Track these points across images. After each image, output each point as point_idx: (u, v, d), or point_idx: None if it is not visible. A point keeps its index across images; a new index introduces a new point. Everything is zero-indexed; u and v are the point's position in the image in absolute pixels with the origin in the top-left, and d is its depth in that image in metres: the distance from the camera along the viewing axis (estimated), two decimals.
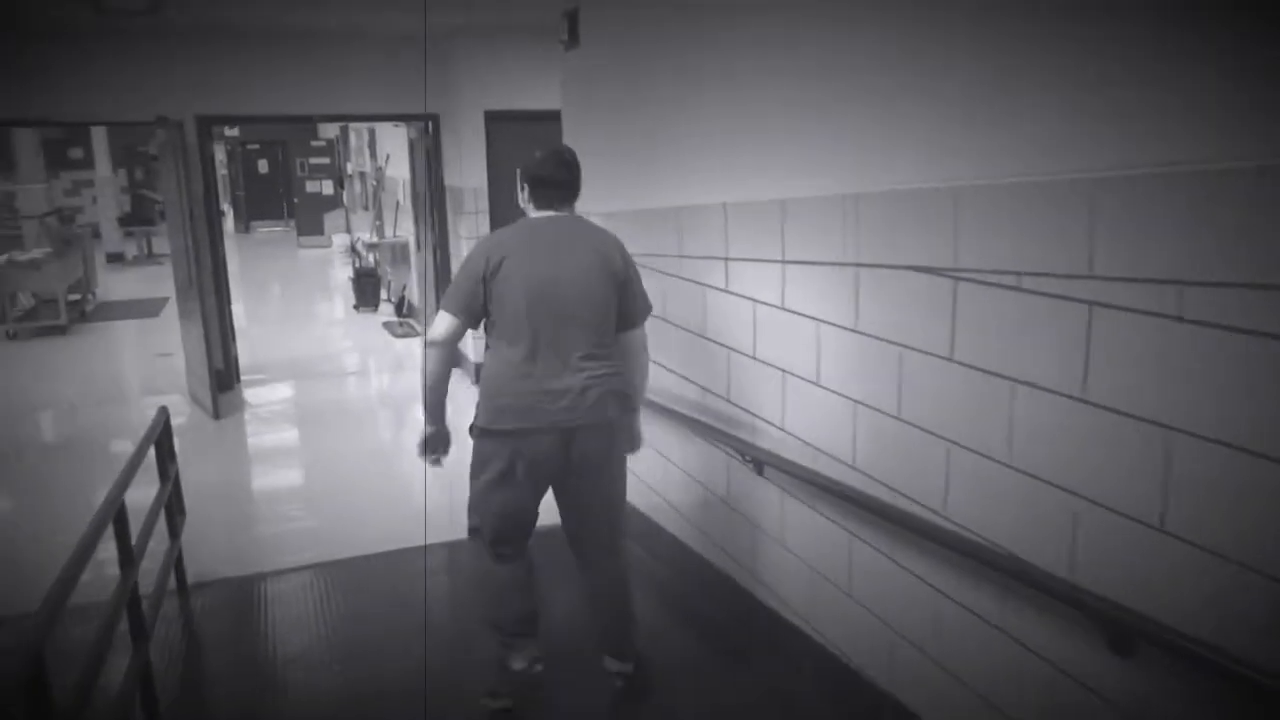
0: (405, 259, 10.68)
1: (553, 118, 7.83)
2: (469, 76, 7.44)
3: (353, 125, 15.41)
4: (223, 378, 7.61)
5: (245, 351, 8.44)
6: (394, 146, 10.67)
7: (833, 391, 2.97)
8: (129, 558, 2.87)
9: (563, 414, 2.87)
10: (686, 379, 3.98)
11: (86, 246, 12.12)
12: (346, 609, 4.10)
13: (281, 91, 7.48)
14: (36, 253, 10.73)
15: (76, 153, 18.87)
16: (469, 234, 7.64)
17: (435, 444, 3.09)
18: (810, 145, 2.99)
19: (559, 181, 3.04)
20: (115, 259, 16.64)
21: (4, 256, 10.53)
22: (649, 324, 3.19)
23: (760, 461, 3.37)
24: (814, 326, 3.03)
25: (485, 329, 2.97)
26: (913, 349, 2.60)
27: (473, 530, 3.10)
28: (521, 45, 7.47)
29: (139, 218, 16.95)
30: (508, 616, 3.11)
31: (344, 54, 7.59)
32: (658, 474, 4.37)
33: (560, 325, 2.87)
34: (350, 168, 16.35)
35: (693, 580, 4.11)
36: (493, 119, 7.55)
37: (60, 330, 10.43)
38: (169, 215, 7.25)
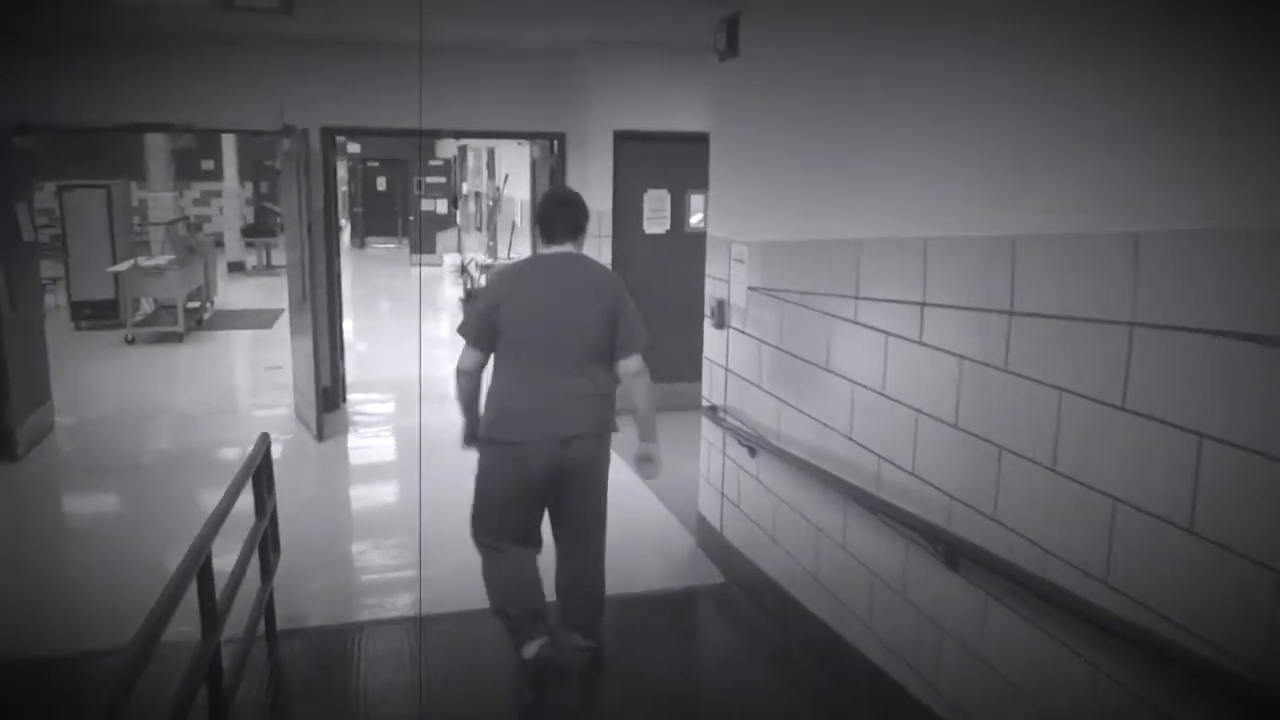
0: None
1: (684, 140, 7.44)
2: (598, 94, 7.06)
3: (472, 145, 15.35)
4: (329, 396, 7.36)
5: (353, 368, 8.22)
6: (514, 166, 10.42)
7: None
8: (211, 620, 2.47)
9: (554, 427, 3.23)
10: (864, 447, 3.41)
11: (209, 255, 12.26)
12: (446, 670, 3.66)
13: (406, 105, 7.24)
14: (161, 259, 10.83)
15: (208, 164, 19.48)
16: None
17: (472, 444, 3.53)
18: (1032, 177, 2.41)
19: (557, 219, 3.44)
20: (236, 268, 16.98)
21: (131, 261, 10.65)
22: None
23: (955, 553, 2.77)
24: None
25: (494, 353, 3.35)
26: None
27: (475, 529, 3.48)
28: (653, 62, 7.07)
29: (261, 229, 17.27)
30: (514, 610, 3.39)
31: (470, 68, 7.32)
32: (809, 548, 3.81)
33: (554, 351, 3.25)
34: (466, 188, 16.31)
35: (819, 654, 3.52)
36: (622, 139, 7.14)
37: (177, 337, 10.48)
38: (287, 227, 7.07)
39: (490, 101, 7.34)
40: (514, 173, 10.36)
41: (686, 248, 7.43)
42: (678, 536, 5.07)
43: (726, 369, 4.43)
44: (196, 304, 11.96)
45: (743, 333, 4.23)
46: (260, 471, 3.66)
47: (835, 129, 3.49)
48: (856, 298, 3.31)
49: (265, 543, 3.66)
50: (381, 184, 21.79)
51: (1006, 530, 2.53)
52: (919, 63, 2.94)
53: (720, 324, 4.46)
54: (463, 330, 3.36)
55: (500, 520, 3.38)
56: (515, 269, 3.52)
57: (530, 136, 8.01)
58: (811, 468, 3.57)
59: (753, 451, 4.10)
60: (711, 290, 4.62)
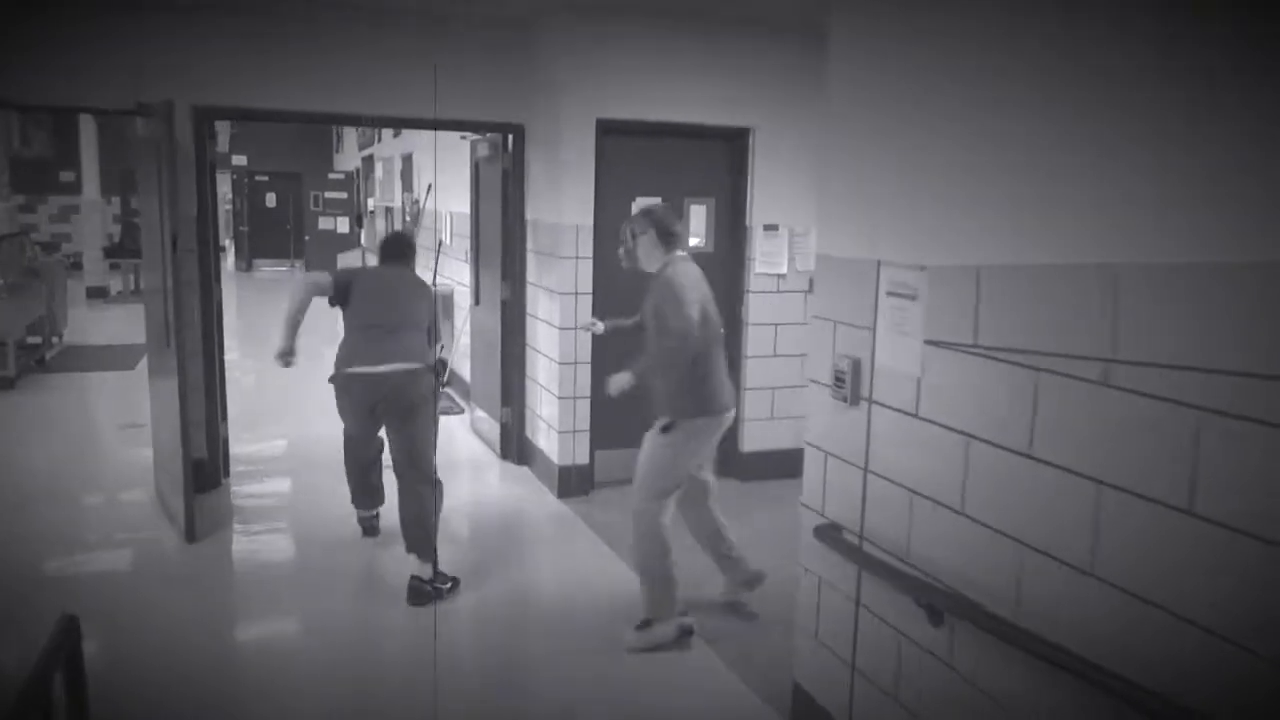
0: (447, 312, 8.53)
1: (686, 135, 5.64)
2: (576, 73, 5.35)
3: (380, 153, 13.38)
4: (203, 472, 5.39)
5: (236, 427, 6.23)
6: (444, 172, 8.57)
7: None
8: None
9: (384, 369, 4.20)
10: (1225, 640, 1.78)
11: (55, 279, 9.95)
12: None
13: (307, 84, 5.40)
14: None
15: (67, 176, 16.94)
16: (561, 287, 5.48)
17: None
18: None
19: (394, 253, 4.64)
20: (97, 294, 14.54)
21: None
22: None
23: None
24: None
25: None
26: None
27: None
28: (655, 32, 5.41)
29: (128, 249, 14.80)
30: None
31: (396, 38, 5.53)
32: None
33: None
34: (372, 203, 14.29)
35: None
36: (607, 132, 5.44)
37: (7, 383, 8.20)
38: (145, 240, 5.11)
39: (421, 83, 5.55)
40: (444, 181, 8.51)
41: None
42: None
43: (865, 469, 2.76)
44: (38, 339, 9.66)
45: (911, 415, 2.56)
46: (70, 676, 1.82)
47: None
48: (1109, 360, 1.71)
49: None
50: (271, 200, 19.60)
51: None
52: None
53: (851, 397, 2.79)
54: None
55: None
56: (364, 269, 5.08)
57: (477, 129, 6.23)
58: (1083, 666, 1.93)
59: (937, 616, 2.43)
60: (825, 342, 2.96)
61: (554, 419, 5.62)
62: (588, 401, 5.57)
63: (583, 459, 5.62)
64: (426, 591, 4.13)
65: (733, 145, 5.78)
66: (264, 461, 6.30)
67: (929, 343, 2.46)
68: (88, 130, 14.28)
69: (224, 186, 21.16)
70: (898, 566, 2.55)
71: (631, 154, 5.59)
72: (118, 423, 7.08)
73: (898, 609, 2.59)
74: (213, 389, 5.53)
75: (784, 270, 5.83)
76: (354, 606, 4.25)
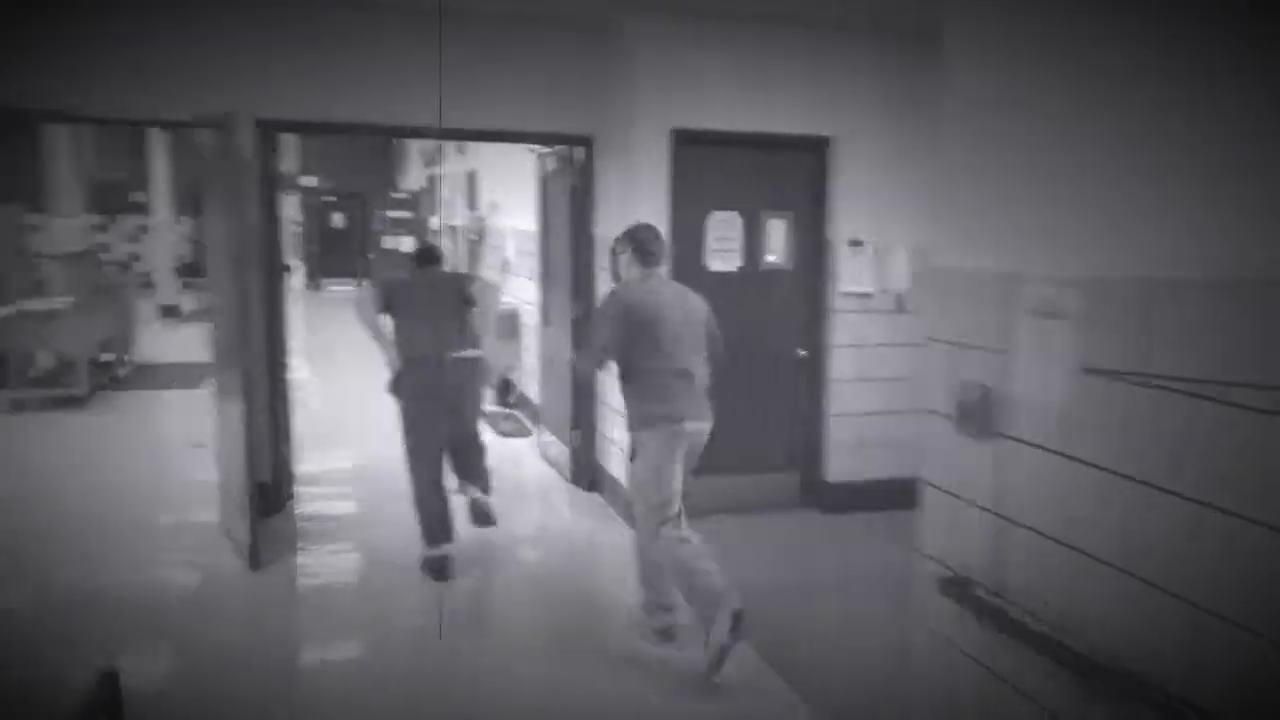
0: (513, 332, 8.34)
1: (765, 146, 5.32)
2: (651, 79, 5.12)
3: (446, 171, 13.35)
4: (268, 495, 5.24)
5: (303, 447, 6.10)
6: (509, 189, 8.42)
7: None
8: None
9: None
10: None
11: (126, 296, 10.02)
12: None
13: (371, 95, 5.26)
14: (57, 302, 8.59)
15: (139, 196, 17.25)
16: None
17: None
18: None
19: (426, 260, 4.98)
20: (170, 313, 14.72)
21: (14, 306, 8.41)
22: None
23: None
24: None
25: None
26: None
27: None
28: (736, 35, 5.16)
29: (200, 268, 14.99)
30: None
31: (460, 46, 5.36)
32: None
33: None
34: (436, 221, 14.25)
35: None
36: (683, 142, 5.19)
37: (78, 402, 8.23)
38: (210, 257, 4.99)
39: (487, 94, 5.39)
40: (510, 198, 8.35)
41: (764, 290, 5.49)
42: None
43: (999, 516, 2.42)
44: (110, 357, 9.73)
45: (1058, 454, 2.22)
46: None
47: None
48: None
49: None
50: (339, 220, 19.84)
51: None
52: None
53: (981, 430, 2.45)
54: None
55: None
56: (403, 279, 4.99)
57: (544, 141, 6.03)
58: None
59: (1095, 693, 2.08)
60: (944, 368, 2.63)
61: (626, 444, 5.35)
62: None
63: None
64: (487, 512, 4.87)
65: (813, 156, 5.49)
66: (329, 483, 6.15)
67: (1089, 371, 2.12)
68: (159, 151, 14.52)
69: (293, 208, 21.60)
70: (1049, 634, 2.20)
71: (707, 166, 5.33)
72: (186, 442, 7.01)
73: (1049, 683, 2.25)
74: (277, 410, 5.38)
75: (869, 288, 5.50)
76: (418, 637, 4.02)
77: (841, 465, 5.63)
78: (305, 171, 20.17)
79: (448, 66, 5.34)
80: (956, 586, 2.49)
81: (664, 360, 3.80)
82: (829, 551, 5.14)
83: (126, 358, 10.29)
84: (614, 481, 5.63)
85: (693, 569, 3.61)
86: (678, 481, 3.80)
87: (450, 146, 12.37)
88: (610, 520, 5.50)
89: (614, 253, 4.12)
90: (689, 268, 5.32)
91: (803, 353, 5.58)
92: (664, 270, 4.11)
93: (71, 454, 6.82)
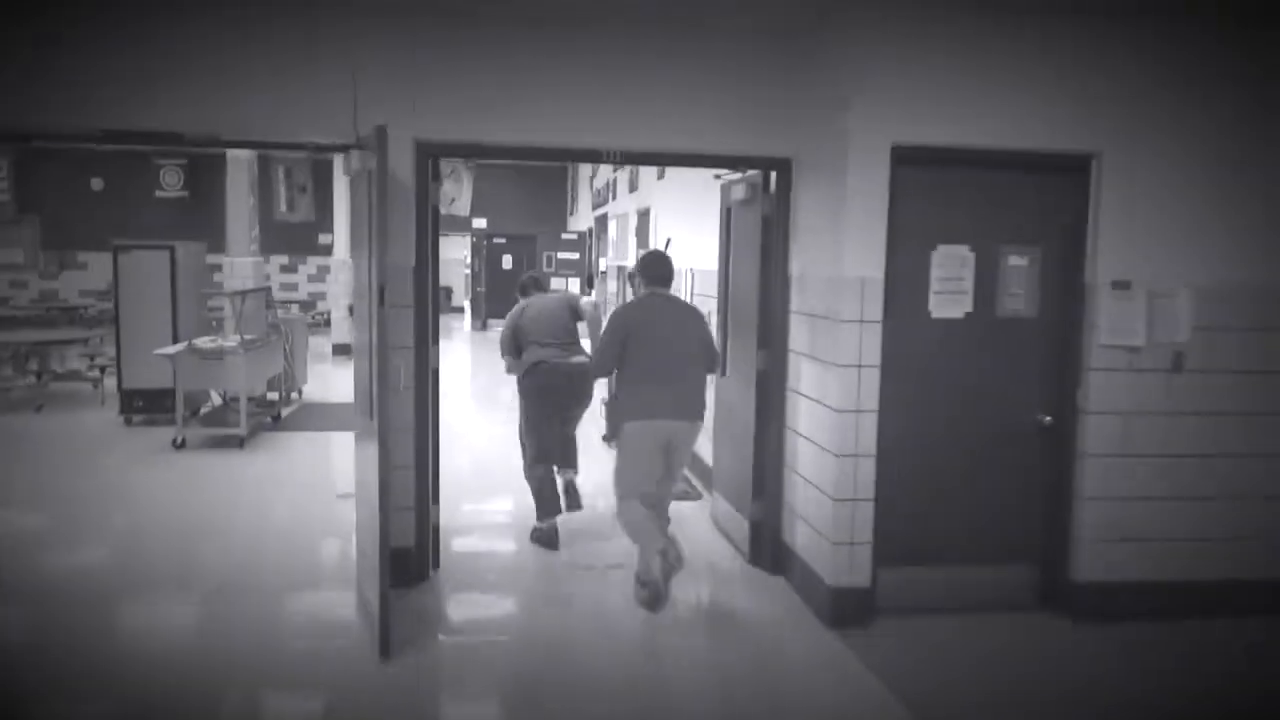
0: None
1: (1013, 165, 4.29)
2: (865, 86, 4.24)
3: (614, 211, 12.86)
4: (409, 563, 4.62)
5: (455, 503, 5.50)
6: (685, 226, 7.70)
7: None
8: None
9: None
10: None
11: (293, 334, 9.92)
12: None
13: (539, 114, 4.65)
14: (225, 340, 8.48)
15: (326, 238, 17.76)
16: (838, 357, 4.31)
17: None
18: None
19: (533, 287, 5.96)
20: (342, 350, 14.91)
21: (185, 343, 8.34)
22: None
23: None
24: None
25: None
26: None
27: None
28: (969, 29, 4.25)
29: None
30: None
31: (641, 59, 4.67)
32: None
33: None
34: (604, 263, 13.78)
35: None
36: (905, 161, 4.28)
37: (237, 441, 8.03)
38: (355, 294, 4.44)
39: (668, 107, 4.71)
40: (685, 233, 7.63)
41: (999, 341, 4.49)
42: None
43: None
44: (277, 395, 9.63)
45: None
46: None
47: None
48: None
49: None
50: (507, 261, 19.92)
51: None
52: None
53: None
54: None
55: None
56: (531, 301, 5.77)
57: (733, 165, 5.25)
58: None
59: None
60: None
61: (824, 524, 4.42)
62: (871, 505, 4.33)
63: (862, 579, 4.36)
64: (576, 493, 5.78)
65: (1068, 179, 4.44)
66: (484, 551, 5.49)
67: None
68: (342, 191, 14.82)
69: (465, 249, 21.94)
70: None
71: (932, 189, 4.39)
72: (334, 491, 6.57)
73: None
74: (424, 465, 4.77)
75: (1140, 342, 4.37)
76: None
77: (1095, 561, 4.48)
78: (476, 213, 20.38)
79: (620, 83, 4.68)
80: None
81: (652, 365, 4.44)
82: (1077, 673, 4.02)
83: (294, 396, 10.22)
84: (804, 567, 4.69)
85: (642, 531, 4.43)
86: (655, 469, 4.48)
87: (623, 184, 11.85)
88: (799, 613, 4.56)
89: (631, 279, 5.22)
90: (906, 312, 4.37)
91: (1046, 419, 4.49)
92: (669, 289, 4.71)
93: (221, 500, 6.49)
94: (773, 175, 5.00)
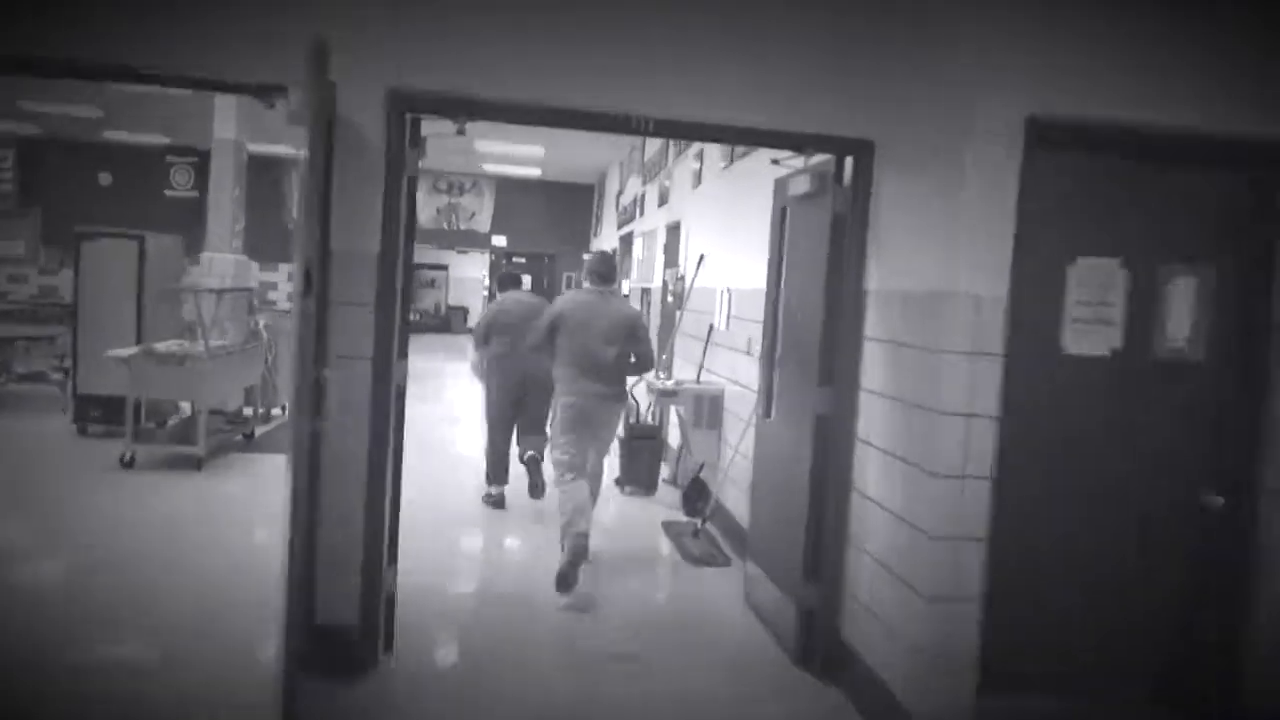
0: (714, 423, 6.42)
1: (1191, 156, 3.06)
2: (984, 38, 3.12)
3: (640, 229, 11.78)
4: (353, 646, 3.48)
5: (413, 576, 4.33)
6: (720, 243, 6.59)
7: None
8: None
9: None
10: None
11: (278, 342, 8.84)
12: None
13: (553, 67, 3.56)
14: (173, 344, 7.37)
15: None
16: (938, 402, 3.15)
17: None
18: None
19: (508, 284, 6.83)
20: None
21: (141, 346, 7.27)
22: None
23: None
24: None
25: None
26: None
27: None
28: None
29: None
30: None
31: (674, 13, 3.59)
32: None
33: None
34: (628, 285, 12.69)
35: None
36: (1044, 138, 3.13)
37: (193, 463, 6.93)
38: (295, 278, 3.35)
39: (715, 70, 3.59)
40: (720, 248, 6.51)
41: (1153, 390, 3.32)
42: None
43: None
44: (249, 411, 8.51)
45: None
46: None
47: None
48: None
49: None
50: (526, 283, 18.94)
51: None
52: None
53: None
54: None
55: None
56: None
57: (795, 144, 4.11)
58: None
59: None
60: None
61: (908, 627, 3.24)
62: (977, 606, 3.15)
63: (958, 707, 3.16)
64: (539, 473, 6.22)
65: (1257, 173, 3.29)
66: (458, 624, 4.34)
67: None
68: None
69: (483, 268, 20.98)
70: None
71: (1072, 182, 3.24)
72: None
73: None
74: (377, 515, 3.63)
75: None
76: None
77: (1278, 691, 3.27)
78: (496, 230, 19.46)
79: (657, 30, 3.60)
80: None
81: (578, 351, 5.01)
82: None
83: (278, 411, 9.12)
84: (873, 679, 3.50)
85: (577, 511, 4.76)
86: (582, 442, 5.04)
87: (652, 198, 10.78)
88: None
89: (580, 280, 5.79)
90: (1029, 344, 3.21)
91: (1217, 499, 3.30)
92: (609, 286, 5.29)
93: (155, 539, 5.35)
94: (848, 162, 3.88)
